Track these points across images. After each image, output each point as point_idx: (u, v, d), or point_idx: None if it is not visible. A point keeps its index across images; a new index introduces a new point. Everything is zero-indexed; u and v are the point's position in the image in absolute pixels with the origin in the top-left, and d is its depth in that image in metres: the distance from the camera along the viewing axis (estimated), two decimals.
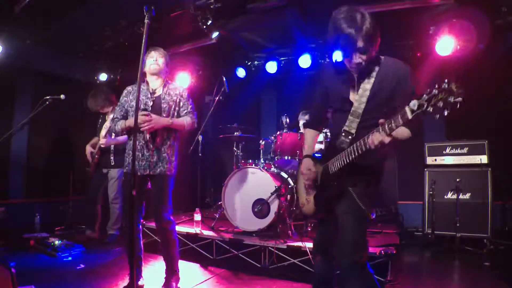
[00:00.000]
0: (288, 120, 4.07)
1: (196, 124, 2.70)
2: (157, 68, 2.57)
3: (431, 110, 1.18)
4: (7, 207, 4.23)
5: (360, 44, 1.47)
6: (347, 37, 1.46)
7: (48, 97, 3.45)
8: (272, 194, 3.37)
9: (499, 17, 3.71)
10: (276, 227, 3.44)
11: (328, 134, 4.16)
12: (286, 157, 3.83)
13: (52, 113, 3.90)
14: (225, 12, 3.97)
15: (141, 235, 2.67)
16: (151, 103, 2.53)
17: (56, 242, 3.49)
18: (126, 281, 2.67)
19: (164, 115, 2.52)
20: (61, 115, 4.97)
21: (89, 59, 5.26)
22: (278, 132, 3.99)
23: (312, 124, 1.96)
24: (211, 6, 3.80)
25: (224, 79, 3.90)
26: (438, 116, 1.18)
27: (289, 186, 3.84)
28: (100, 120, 4.21)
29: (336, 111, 1.76)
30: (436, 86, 1.17)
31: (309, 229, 3.56)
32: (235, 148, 4.52)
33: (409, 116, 1.25)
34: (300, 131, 4.49)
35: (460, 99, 1.12)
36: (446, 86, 1.14)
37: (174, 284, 2.58)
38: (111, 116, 3.95)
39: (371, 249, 2.78)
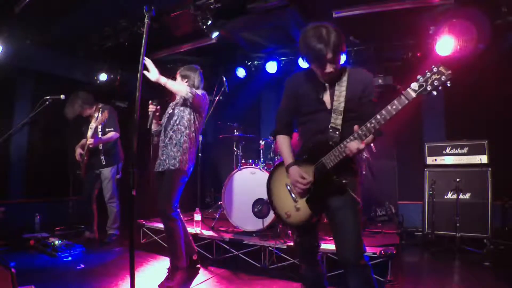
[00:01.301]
0: None
1: (195, 96, 2.66)
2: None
3: (429, 88, 1.45)
4: (7, 207, 4.22)
5: (329, 56, 1.63)
6: (317, 51, 1.63)
7: (48, 97, 3.45)
8: None
9: (499, 17, 3.71)
10: (276, 227, 3.43)
11: None
12: None
13: (52, 113, 3.91)
14: (225, 12, 3.97)
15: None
16: (171, 110, 2.84)
17: (56, 242, 3.49)
18: (126, 281, 2.67)
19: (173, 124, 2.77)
20: (61, 115, 4.97)
21: (89, 59, 5.25)
22: None
23: (284, 129, 2.03)
24: (211, 6, 3.80)
25: (224, 79, 3.90)
26: (435, 92, 1.45)
27: None
28: (86, 123, 4.12)
29: (308, 114, 1.86)
30: (427, 70, 1.46)
31: None
32: (235, 148, 4.52)
33: (413, 95, 1.47)
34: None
35: (449, 76, 1.43)
36: (436, 69, 1.45)
37: (178, 275, 2.62)
38: (96, 115, 3.92)
39: (371, 249, 2.78)
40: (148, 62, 2.48)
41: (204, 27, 3.96)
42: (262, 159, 4.06)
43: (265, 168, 3.75)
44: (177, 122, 2.75)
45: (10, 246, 3.64)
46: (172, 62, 5.14)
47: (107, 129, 4.03)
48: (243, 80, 5.86)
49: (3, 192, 4.57)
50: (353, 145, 1.59)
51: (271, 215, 3.38)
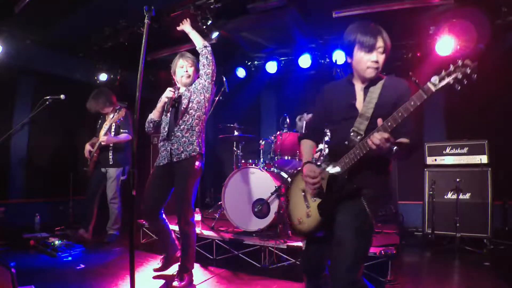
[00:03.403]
0: (288, 120, 4.07)
1: (211, 52, 2.82)
2: (189, 81, 2.78)
3: (451, 82, 1.34)
4: (7, 207, 4.23)
5: (379, 44, 1.62)
6: (368, 38, 1.61)
7: (48, 97, 3.46)
8: (272, 194, 3.37)
9: (499, 17, 3.71)
10: (276, 227, 3.44)
11: (329, 134, 4.17)
12: (286, 157, 3.84)
13: (52, 113, 3.91)
14: (225, 12, 3.97)
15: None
16: (176, 104, 2.72)
17: (56, 242, 3.49)
18: (126, 281, 2.67)
19: (183, 108, 2.65)
20: (61, 115, 4.97)
21: (89, 59, 5.26)
22: (278, 132, 4.00)
23: (309, 134, 1.98)
24: (211, 6, 3.80)
25: (224, 79, 3.90)
26: (459, 87, 1.33)
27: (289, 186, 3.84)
28: (100, 121, 4.21)
29: (339, 122, 1.77)
30: (451, 63, 1.35)
31: None
32: (235, 148, 4.52)
33: (433, 89, 1.37)
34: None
35: (476, 69, 1.31)
36: (461, 62, 1.33)
37: (185, 277, 2.60)
38: (111, 116, 4.00)
39: (371, 249, 2.78)
40: (185, 20, 2.90)
41: (204, 27, 3.96)
42: (262, 159, 4.06)
43: (265, 168, 3.75)
44: (188, 106, 2.64)
45: (10, 246, 3.64)
46: (172, 62, 5.15)
47: (121, 130, 4.05)
48: (243, 80, 5.86)
49: (3, 192, 4.57)
50: (376, 135, 1.43)
51: (271, 215, 3.38)
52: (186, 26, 2.89)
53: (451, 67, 1.34)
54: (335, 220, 1.61)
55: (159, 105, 2.68)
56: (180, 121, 2.62)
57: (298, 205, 1.84)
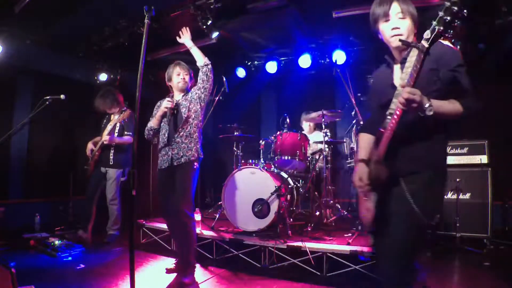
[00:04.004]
0: (288, 120, 4.07)
1: (211, 68, 2.91)
2: (185, 86, 2.93)
3: (441, 29, 1.27)
4: (7, 207, 4.22)
5: (391, 15, 1.52)
6: (379, 11, 1.54)
7: (48, 97, 3.45)
8: (272, 194, 3.37)
9: (499, 17, 3.71)
10: (276, 227, 3.44)
11: (329, 134, 4.17)
12: (286, 157, 3.83)
13: (52, 113, 3.91)
14: (225, 12, 3.97)
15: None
16: (174, 111, 2.85)
17: (56, 242, 3.49)
18: (126, 281, 2.67)
19: (184, 117, 2.79)
20: (61, 115, 4.97)
21: (89, 59, 5.25)
22: (278, 132, 4.00)
23: (369, 129, 1.77)
24: (211, 6, 3.80)
25: (224, 79, 3.90)
26: (451, 30, 1.28)
27: (289, 186, 3.84)
28: (105, 120, 4.22)
29: (386, 105, 1.50)
30: (439, 11, 1.28)
31: (309, 229, 3.57)
32: (235, 148, 4.52)
33: (426, 44, 1.31)
34: (302, 131, 4.50)
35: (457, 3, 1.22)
36: (447, 4, 1.25)
37: (189, 272, 2.68)
38: (116, 116, 4.02)
39: (371, 249, 2.78)
40: (185, 30, 2.89)
41: (204, 27, 3.96)
42: (262, 159, 4.06)
43: (265, 168, 3.75)
44: (186, 115, 2.80)
45: (10, 246, 3.64)
46: (173, 62, 5.14)
47: (125, 132, 4.07)
48: (243, 80, 5.86)
49: (3, 192, 4.57)
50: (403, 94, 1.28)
51: (271, 215, 3.38)
52: (186, 40, 2.92)
53: (439, 14, 1.28)
54: (384, 213, 1.48)
55: (158, 114, 2.85)
56: (180, 129, 2.79)
57: (361, 199, 1.67)
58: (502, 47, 4.16)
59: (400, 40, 1.42)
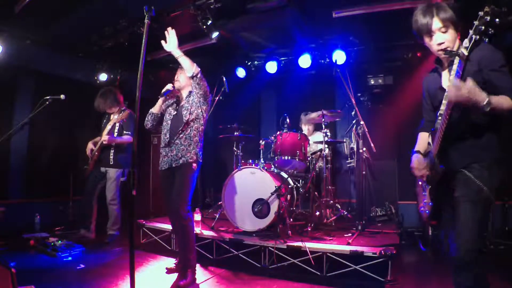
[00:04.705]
0: (288, 120, 4.07)
1: (202, 75, 2.79)
2: (178, 85, 2.95)
3: (477, 37, 1.42)
4: (7, 207, 4.22)
5: (435, 26, 1.61)
6: (423, 24, 1.63)
7: (48, 97, 3.45)
8: (272, 194, 3.37)
9: (499, 17, 3.71)
10: (276, 227, 3.44)
11: (329, 134, 4.17)
12: (286, 157, 3.83)
13: (52, 113, 3.91)
14: (225, 12, 3.97)
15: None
16: (175, 112, 2.90)
17: (56, 242, 3.49)
18: (126, 281, 2.67)
19: (185, 120, 2.80)
20: (61, 115, 4.97)
21: (89, 59, 5.25)
22: (278, 132, 3.99)
23: (426, 128, 1.91)
24: (211, 6, 3.80)
25: (224, 79, 3.90)
26: (486, 38, 1.42)
27: (289, 186, 3.84)
28: (104, 120, 4.22)
29: (438, 108, 1.70)
30: (474, 21, 1.43)
31: (309, 229, 3.56)
32: (235, 148, 4.52)
33: (466, 52, 1.43)
34: (302, 131, 4.49)
35: (491, 11, 1.41)
36: (481, 13, 1.43)
37: (190, 274, 2.69)
38: (115, 116, 4.02)
39: (371, 249, 2.79)
40: (171, 32, 2.66)
41: (204, 27, 3.96)
42: (262, 159, 4.06)
43: (265, 168, 3.75)
44: (187, 117, 2.80)
45: (10, 246, 3.64)
46: (173, 62, 5.14)
47: (124, 132, 4.07)
48: (243, 80, 5.86)
49: (3, 192, 4.57)
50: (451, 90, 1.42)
51: (271, 215, 3.38)
52: (173, 49, 2.67)
53: (474, 23, 1.41)
54: (451, 202, 1.64)
55: (160, 99, 2.94)
56: (180, 131, 2.80)
57: (419, 193, 1.87)
58: (502, 47, 4.16)
59: (444, 52, 1.57)
